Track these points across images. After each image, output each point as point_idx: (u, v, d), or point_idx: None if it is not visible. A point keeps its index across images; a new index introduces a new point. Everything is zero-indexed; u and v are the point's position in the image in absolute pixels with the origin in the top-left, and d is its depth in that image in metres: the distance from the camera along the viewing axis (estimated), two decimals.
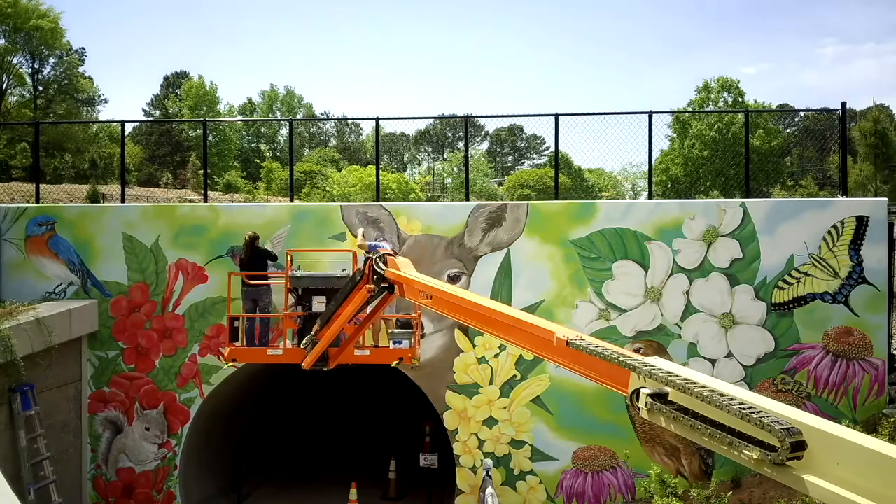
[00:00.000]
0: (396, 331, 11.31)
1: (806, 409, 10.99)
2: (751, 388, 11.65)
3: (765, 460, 3.59)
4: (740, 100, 42.95)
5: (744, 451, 3.71)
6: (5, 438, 11.52)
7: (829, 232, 12.30)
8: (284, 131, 58.98)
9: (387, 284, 8.00)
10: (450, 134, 64.02)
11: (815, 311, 12.30)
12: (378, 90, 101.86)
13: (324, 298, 10.53)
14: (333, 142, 66.82)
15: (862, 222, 12.25)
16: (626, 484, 12.53)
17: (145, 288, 13.36)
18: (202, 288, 13.24)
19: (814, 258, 12.32)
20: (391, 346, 11.13)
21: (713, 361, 12.42)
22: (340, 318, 8.80)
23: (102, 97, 48.79)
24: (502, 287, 12.74)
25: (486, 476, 12.24)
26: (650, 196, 15.68)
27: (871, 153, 34.56)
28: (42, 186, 16.97)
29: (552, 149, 17.16)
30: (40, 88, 44.58)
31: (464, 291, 7.08)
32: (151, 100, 64.02)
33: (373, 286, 8.09)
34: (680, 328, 12.51)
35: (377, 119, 15.41)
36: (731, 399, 3.85)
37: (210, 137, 44.46)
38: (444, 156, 61.65)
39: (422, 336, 12.21)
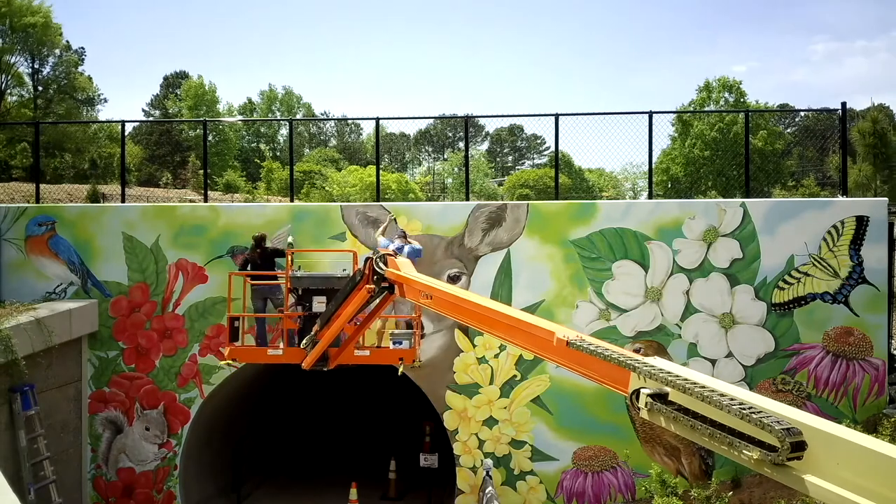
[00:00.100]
0: (396, 331, 11.31)
1: (806, 409, 10.98)
2: (751, 388, 11.65)
3: (765, 460, 3.59)
4: (742, 100, 42.95)
5: (744, 451, 3.71)
6: (5, 438, 11.52)
7: (829, 232, 12.30)
8: (284, 131, 59.04)
9: (387, 284, 8.01)
10: (450, 134, 64.05)
11: (815, 311, 12.30)
12: (378, 90, 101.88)
13: (324, 298, 10.54)
14: (333, 142, 66.86)
15: (862, 222, 12.25)
16: (626, 484, 12.53)
17: (145, 288, 13.36)
18: (202, 288, 13.23)
19: (814, 258, 12.32)
20: (391, 346, 11.13)
21: (713, 361, 12.41)
22: (340, 319, 8.81)
23: (102, 97, 48.78)
24: (502, 287, 12.74)
25: (486, 476, 12.24)
26: (650, 196, 15.68)
27: (869, 153, 34.59)
28: (42, 186, 16.98)
29: (552, 149, 17.18)
30: (40, 88, 44.58)
31: (464, 292, 7.08)
32: (151, 100, 64.11)
33: (373, 286, 8.09)
34: (680, 328, 12.50)
35: (377, 119, 15.41)
36: (732, 399, 3.85)
37: (210, 137, 44.45)
38: (445, 156, 61.66)
39: (422, 336, 12.21)
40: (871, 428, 11.37)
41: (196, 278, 13.25)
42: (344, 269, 11.56)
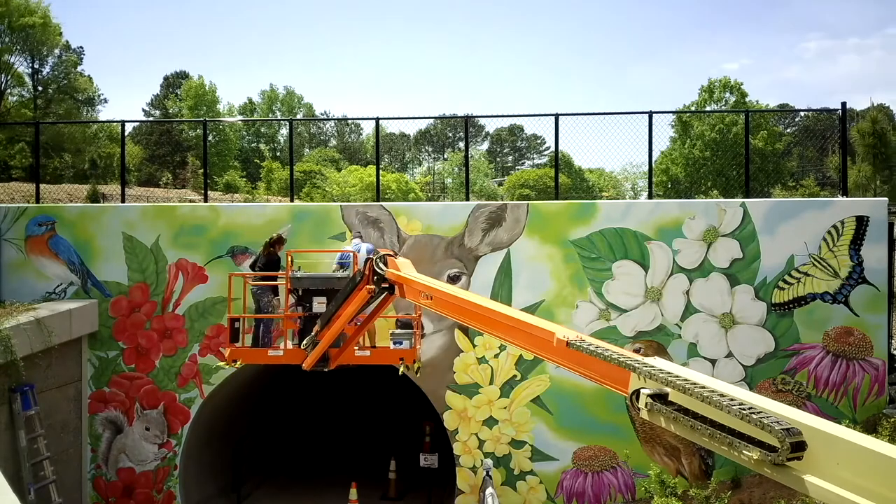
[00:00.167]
0: (397, 331, 11.31)
1: (806, 409, 10.99)
2: (751, 389, 11.65)
3: (765, 461, 3.60)
4: (743, 101, 42.97)
5: (744, 451, 3.71)
6: (5, 438, 11.52)
7: (829, 232, 12.30)
8: (284, 131, 59.02)
9: (387, 285, 8.01)
10: (450, 134, 64.05)
11: (815, 311, 12.30)
12: (378, 90, 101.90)
13: (324, 299, 10.53)
14: (333, 142, 66.85)
15: (862, 222, 12.25)
16: (626, 484, 12.53)
17: (145, 288, 13.37)
18: (202, 288, 13.24)
19: (814, 258, 12.32)
20: (392, 346, 11.13)
21: (713, 361, 12.42)
22: (341, 319, 8.81)
23: (102, 97, 48.77)
24: (502, 287, 12.74)
25: (486, 476, 12.24)
26: (650, 196, 15.68)
27: (869, 153, 34.58)
28: (42, 186, 16.98)
29: (552, 149, 17.16)
30: (39, 88, 44.57)
31: (464, 292, 7.09)
32: (151, 100, 64.09)
33: (373, 287, 8.10)
34: (680, 328, 12.51)
35: (377, 119, 15.41)
36: (732, 399, 3.85)
37: (210, 137, 44.47)
38: (445, 156, 61.68)
39: (422, 336, 12.21)
40: (871, 428, 11.37)
41: (196, 278, 13.25)
42: (344, 269, 11.56)
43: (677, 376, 4.21)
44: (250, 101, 62.22)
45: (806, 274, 12.33)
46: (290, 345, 11.08)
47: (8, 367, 11.26)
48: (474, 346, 12.78)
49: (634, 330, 12.55)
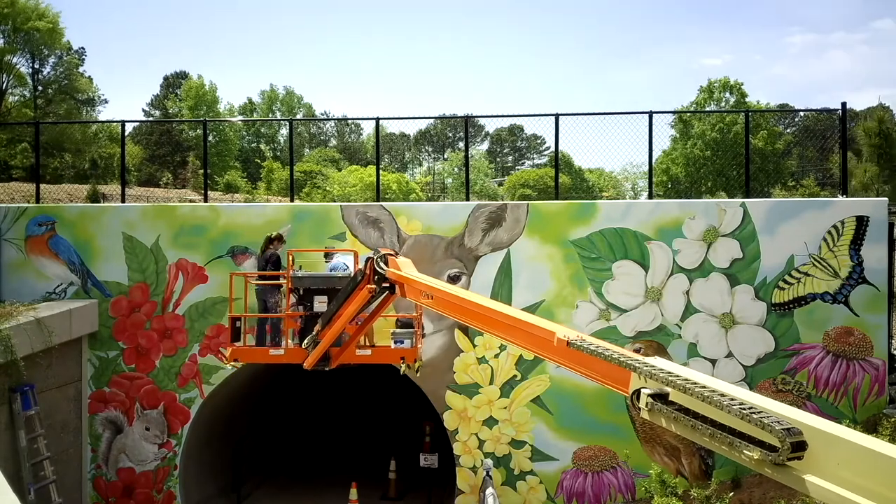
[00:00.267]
0: (398, 330, 11.30)
1: (806, 409, 10.98)
2: (751, 388, 11.65)
3: (765, 460, 3.60)
4: (743, 101, 42.98)
5: (744, 451, 3.72)
6: (5, 438, 11.52)
7: (829, 232, 12.30)
8: (284, 131, 59.02)
9: (388, 284, 8.01)
10: (450, 134, 64.05)
11: (815, 311, 12.30)
12: (378, 90, 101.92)
13: (325, 298, 10.52)
14: (333, 142, 66.86)
15: (862, 222, 12.25)
16: (626, 484, 12.53)
17: (145, 288, 13.36)
18: (202, 288, 13.24)
19: (814, 258, 12.32)
20: (392, 345, 11.12)
21: (713, 361, 12.41)
22: (342, 318, 8.81)
23: (102, 97, 48.81)
24: (502, 287, 12.74)
25: (486, 476, 12.24)
26: (650, 196, 15.68)
27: (874, 153, 34.52)
28: (42, 186, 16.99)
29: (552, 149, 17.18)
30: (40, 88, 44.57)
31: (464, 291, 7.09)
32: (151, 100, 64.11)
33: (374, 286, 8.09)
34: (680, 328, 12.51)
35: (377, 119, 15.42)
36: (732, 399, 3.86)
37: (210, 137, 44.47)
38: (445, 156, 61.69)
39: (422, 336, 12.20)
40: (871, 428, 11.37)
41: (196, 278, 13.25)
42: (345, 269, 11.55)
43: (678, 376, 4.21)
44: (250, 101, 62.24)
45: (806, 274, 12.33)
46: (290, 344, 11.08)
47: (8, 367, 11.26)
48: (474, 346, 12.78)
49: (634, 330, 12.55)
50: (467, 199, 14.97)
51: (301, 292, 10.87)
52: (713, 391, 3.96)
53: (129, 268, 13.40)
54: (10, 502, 6.92)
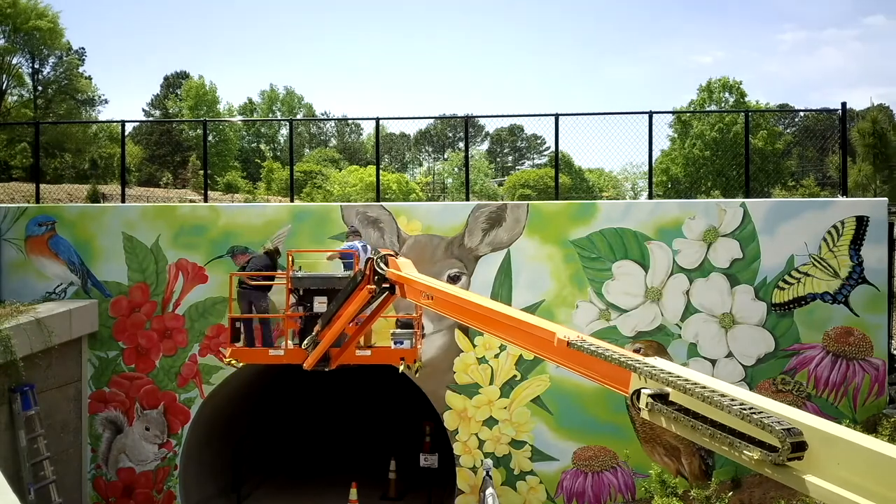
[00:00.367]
0: (397, 331, 11.30)
1: (806, 409, 10.99)
2: (751, 389, 11.65)
3: (765, 461, 3.60)
4: (742, 100, 42.99)
5: (744, 451, 3.72)
6: (5, 438, 11.52)
7: (829, 232, 12.30)
8: (284, 131, 59.06)
9: (388, 285, 8.01)
10: (450, 134, 64.06)
11: (815, 311, 12.30)
12: (378, 90, 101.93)
13: (325, 299, 10.52)
14: (333, 142, 66.87)
15: (862, 222, 12.25)
16: (626, 484, 12.53)
17: (145, 288, 13.36)
18: (202, 288, 13.23)
19: (814, 258, 12.32)
20: (392, 346, 11.12)
21: (713, 361, 12.41)
22: (341, 319, 8.80)
23: (102, 97, 48.80)
24: (502, 287, 12.74)
25: (486, 476, 12.24)
26: (650, 196, 15.68)
27: (869, 153, 34.55)
28: (42, 186, 16.98)
29: (552, 149, 17.18)
30: (40, 88, 44.57)
31: (464, 292, 7.09)
32: (151, 100, 64.11)
33: (374, 287, 8.09)
34: (680, 328, 12.51)
35: (377, 119, 15.42)
36: (732, 399, 3.85)
37: (210, 137, 44.48)
38: (445, 156, 61.71)
39: (422, 336, 12.20)
40: (871, 428, 11.37)
41: (196, 278, 13.25)
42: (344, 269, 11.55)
43: (678, 376, 4.21)
44: (250, 101, 62.26)
45: (806, 274, 12.33)
46: (290, 344, 11.08)
47: (8, 367, 11.26)
48: (474, 346, 12.78)
49: (634, 330, 12.55)
50: (467, 199, 14.97)
51: (301, 293, 10.87)
52: (713, 391, 3.96)
53: (129, 268, 13.40)
54: (10, 502, 6.92)
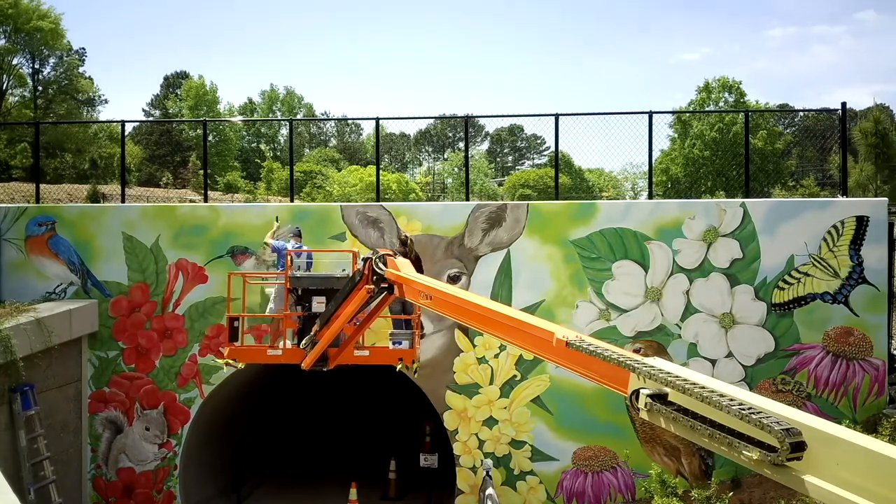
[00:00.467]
0: (396, 331, 11.28)
1: (806, 409, 10.99)
2: (751, 389, 11.65)
3: (765, 461, 3.59)
4: (742, 100, 42.98)
5: (744, 451, 3.71)
6: (5, 438, 11.52)
7: (829, 232, 12.29)
8: (284, 131, 59.06)
9: (386, 285, 7.99)
10: (450, 134, 64.06)
11: (815, 311, 12.30)
12: (378, 90, 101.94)
13: (323, 299, 10.51)
14: (333, 142, 66.87)
15: (862, 222, 12.24)
16: (626, 484, 12.52)
17: (145, 288, 13.36)
18: (202, 288, 13.23)
19: (814, 258, 12.31)
20: (391, 346, 11.11)
21: (713, 361, 12.41)
22: (340, 319, 8.79)
23: (102, 97, 48.82)
24: (502, 287, 12.73)
25: (486, 476, 12.24)
26: (650, 196, 15.67)
27: (871, 153, 34.50)
28: (42, 186, 16.99)
29: (552, 149, 17.18)
30: (40, 89, 44.58)
31: (464, 292, 7.07)
32: (151, 100, 64.13)
33: (372, 286, 8.07)
34: (680, 328, 12.50)
35: (377, 119, 15.42)
36: (731, 399, 3.85)
37: (210, 137, 44.49)
38: (445, 156, 61.72)
39: (422, 336, 12.19)
40: (871, 428, 11.37)
41: (196, 278, 13.25)
42: (343, 269, 11.54)
43: (677, 376, 4.20)
44: (250, 101, 62.25)
45: (806, 274, 12.33)
46: (289, 344, 11.07)
47: (8, 367, 11.25)
48: (474, 346, 12.77)
49: (634, 330, 12.54)
50: (467, 199, 14.97)
51: (299, 293, 10.86)
52: (712, 391, 3.95)
53: (129, 268, 13.40)
54: (10, 502, 6.92)
